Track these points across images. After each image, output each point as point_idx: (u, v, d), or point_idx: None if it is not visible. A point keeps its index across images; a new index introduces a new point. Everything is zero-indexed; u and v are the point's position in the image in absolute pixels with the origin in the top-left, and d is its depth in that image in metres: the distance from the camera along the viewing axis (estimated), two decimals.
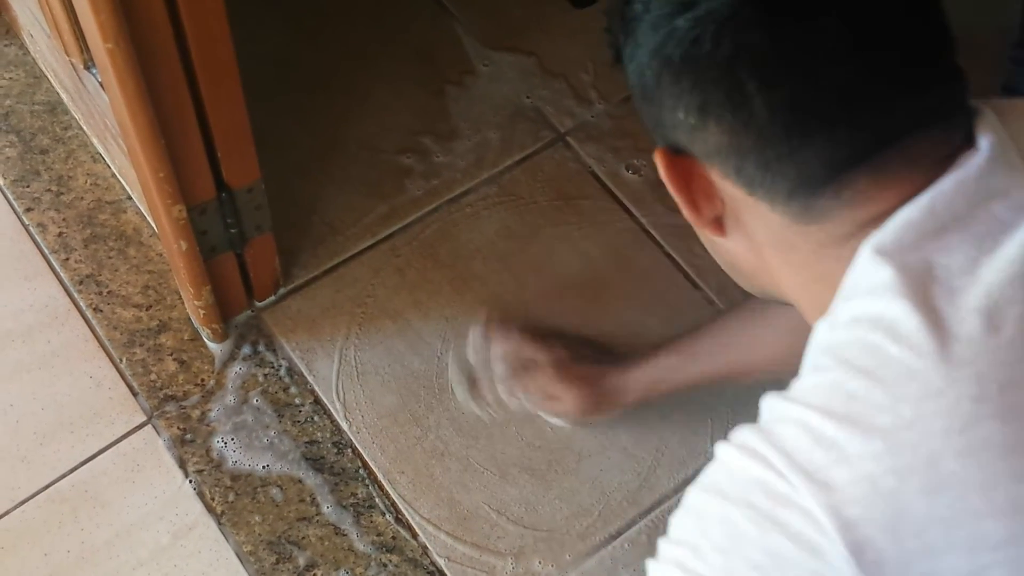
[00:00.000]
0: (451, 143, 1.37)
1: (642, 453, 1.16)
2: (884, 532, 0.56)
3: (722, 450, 0.63)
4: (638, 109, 0.68)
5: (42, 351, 1.21)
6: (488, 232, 1.30)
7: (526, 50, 1.45)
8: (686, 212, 0.69)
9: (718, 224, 0.68)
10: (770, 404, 0.63)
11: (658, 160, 0.67)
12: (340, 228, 1.30)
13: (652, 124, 0.67)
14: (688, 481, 1.15)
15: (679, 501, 1.12)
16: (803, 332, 1.03)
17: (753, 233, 0.67)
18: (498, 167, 1.35)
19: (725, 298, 1.25)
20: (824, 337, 0.63)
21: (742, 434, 0.63)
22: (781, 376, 1.13)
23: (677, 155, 0.66)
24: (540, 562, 1.10)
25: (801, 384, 0.63)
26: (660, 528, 1.12)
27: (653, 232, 1.30)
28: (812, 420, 0.59)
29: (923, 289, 0.58)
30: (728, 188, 0.65)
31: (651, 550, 1.10)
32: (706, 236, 0.72)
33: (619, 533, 1.12)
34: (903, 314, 0.58)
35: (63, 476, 1.14)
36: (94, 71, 1.09)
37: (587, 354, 1.17)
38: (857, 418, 0.58)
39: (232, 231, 1.11)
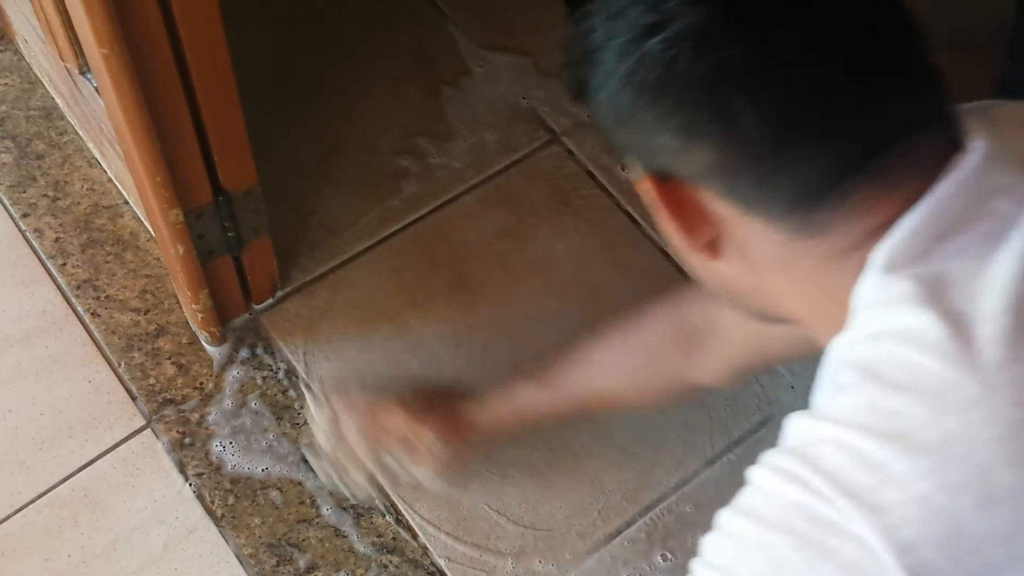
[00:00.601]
0: (447, 144, 1.37)
1: (641, 451, 1.16)
2: (942, 553, 0.54)
3: (755, 473, 0.60)
4: (610, 137, 0.66)
5: (40, 356, 1.21)
6: (485, 233, 1.30)
7: (521, 50, 1.45)
8: (679, 239, 0.66)
9: (712, 247, 0.66)
10: (798, 425, 0.60)
11: (645, 188, 0.65)
12: (337, 230, 1.30)
13: (631, 150, 0.66)
14: (687, 479, 1.15)
15: (678, 499, 1.14)
16: (657, 357, 0.99)
17: (750, 253, 0.65)
18: (494, 168, 1.35)
19: None
20: (845, 353, 0.61)
21: (774, 457, 0.60)
22: (639, 405, 1.10)
23: (665, 180, 0.64)
24: (540, 561, 1.11)
25: (830, 403, 0.60)
26: (660, 526, 1.13)
27: (650, 231, 1.30)
28: (851, 439, 0.56)
29: (942, 296, 0.57)
30: (721, 209, 0.63)
31: (651, 548, 1.11)
32: (698, 261, 0.69)
33: (619, 531, 1.12)
34: (928, 323, 0.56)
35: (63, 481, 1.14)
36: (89, 76, 1.09)
37: (440, 398, 1.09)
38: (901, 435, 0.55)
39: (229, 234, 1.11)
